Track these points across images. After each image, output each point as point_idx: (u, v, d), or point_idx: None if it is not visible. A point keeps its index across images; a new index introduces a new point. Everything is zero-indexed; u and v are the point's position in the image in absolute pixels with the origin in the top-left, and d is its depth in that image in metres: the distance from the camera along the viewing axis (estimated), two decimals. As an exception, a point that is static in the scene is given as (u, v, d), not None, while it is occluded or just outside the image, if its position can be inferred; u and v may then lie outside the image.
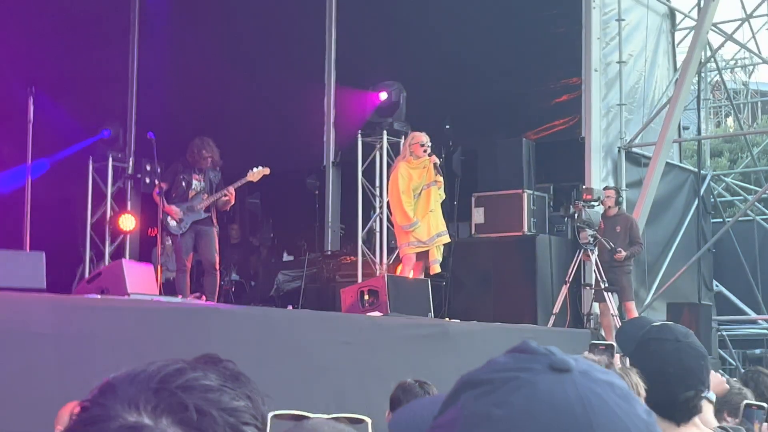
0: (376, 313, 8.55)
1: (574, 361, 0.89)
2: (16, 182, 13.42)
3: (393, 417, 1.32)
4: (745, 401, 3.79)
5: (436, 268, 10.29)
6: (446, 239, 10.42)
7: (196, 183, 10.41)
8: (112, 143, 13.61)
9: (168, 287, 10.89)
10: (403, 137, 12.67)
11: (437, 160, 10.26)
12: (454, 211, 12.64)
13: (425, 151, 10.15)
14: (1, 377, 4.89)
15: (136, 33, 15.68)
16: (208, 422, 0.99)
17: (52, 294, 6.50)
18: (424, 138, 10.29)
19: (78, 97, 14.41)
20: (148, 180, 12.62)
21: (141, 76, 15.57)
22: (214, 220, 10.49)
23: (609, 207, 11.55)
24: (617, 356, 3.55)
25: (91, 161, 13.59)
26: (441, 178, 10.26)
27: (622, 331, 3.60)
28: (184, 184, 10.39)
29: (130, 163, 14.10)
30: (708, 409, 2.86)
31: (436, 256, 10.27)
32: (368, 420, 1.74)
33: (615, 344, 3.59)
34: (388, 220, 12.58)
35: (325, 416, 1.67)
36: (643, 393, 2.45)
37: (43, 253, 7.26)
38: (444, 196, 10.52)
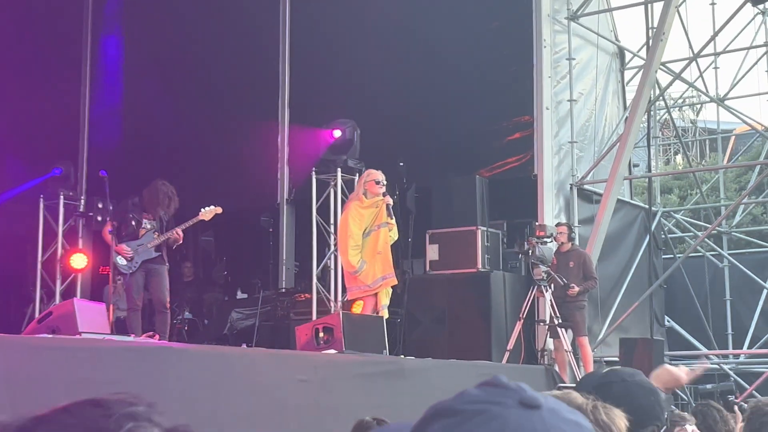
0: (332, 351, 8.51)
1: (543, 398, 0.91)
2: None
3: None
4: None
5: (384, 313, 9.92)
6: (392, 282, 10.11)
7: (146, 221, 10.35)
8: (64, 181, 13.49)
9: (119, 326, 10.78)
10: (357, 174, 12.71)
11: (390, 201, 10.04)
12: (409, 248, 12.67)
13: (381, 189, 9.97)
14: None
15: (88, 70, 15.61)
16: None
17: (1, 334, 6.40)
18: (379, 176, 10.09)
19: (29, 135, 14.29)
20: (99, 218, 12.50)
21: (93, 114, 15.48)
22: (165, 259, 10.42)
23: (562, 243, 11.65)
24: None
25: (42, 199, 13.46)
26: (393, 221, 10.03)
27: (579, 385, 3.61)
28: (134, 222, 10.32)
29: (82, 201, 13.99)
30: None
31: (384, 301, 9.97)
32: None
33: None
34: (343, 258, 12.58)
35: None
36: (621, 425, 2.44)
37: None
38: (396, 238, 10.29)
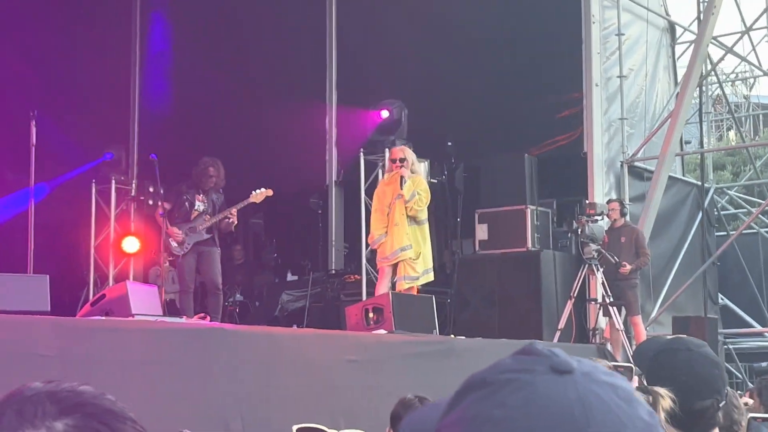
0: (381, 331, 8.54)
1: (577, 362, 0.90)
2: (19, 206, 13.45)
3: (405, 420, 1.33)
4: (750, 414, 3.76)
5: (402, 285, 9.82)
6: (406, 255, 9.84)
7: (199, 204, 10.43)
8: (115, 166, 13.63)
9: (171, 308, 10.89)
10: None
11: (404, 173, 9.91)
12: (458, 228, 12.65)
13: (396, 166, 10.00)
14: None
15: (137, 56, 15.73)
16: (105, 413, 0.99)
17: (57, 316, 6.51)
18: (396, 153, 10.19)
19: (80, 120, 14.44)
20: (151, 201, 12.65)
21: (143, 99, 15.62)
22: (217, 241, 10.50)
23: (615, 219, 11.57)
24: (635, 378, 3.51)
25: (94, 184, 13.61)
26: (405, 191, 9.82)
27: (637, 351, 3.57)
28: (187, 204, 10.42)
29: (133, 185, 14.12)
30: None
31: (403, 273, 9.86)
32: None
33: (633, 365, 3.55)
34: (392, 238, 12.60)
35: None
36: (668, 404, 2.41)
37: (47, 276, 7.28)
38: (417, 208, 9.90)
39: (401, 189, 9.83)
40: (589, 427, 0.84)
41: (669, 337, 3.03)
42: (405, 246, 9.83)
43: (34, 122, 11.94)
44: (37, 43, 15.16)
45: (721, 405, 2.68)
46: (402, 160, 9.98)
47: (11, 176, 13.89)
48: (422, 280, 9.96)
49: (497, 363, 0.93)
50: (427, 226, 10.13)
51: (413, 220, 9.95)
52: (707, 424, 2.66)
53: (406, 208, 9.84)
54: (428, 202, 10.08)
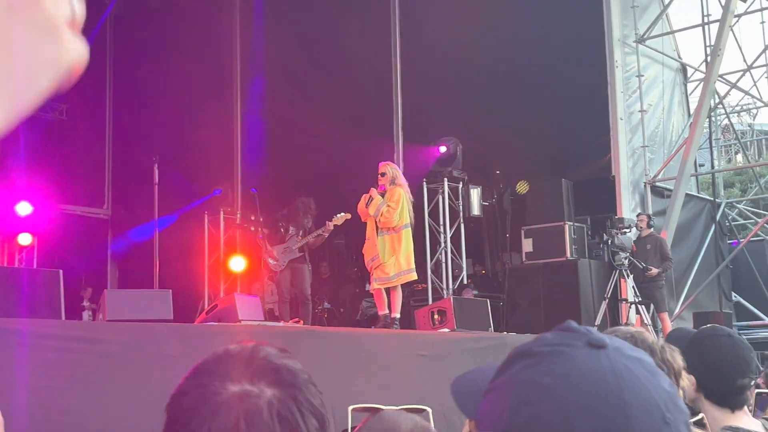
0: (445, 330, 8.51)
1: (609, 339, 0.90)
2: (146, 235, 13.72)
3: (454, 381, 1.32)
4: (757, 390, 3.66)
5: (373, 285, 9.25)
6: (376, 263, 9.11)
7: (292, 229, 10.52)
8: (223, 199, 13.86)
9: (271, 315, 10.98)
10: (461, 183, 12.68)
11: (372, 193, 9.25)
12: (507, 242, 12.57)
13: (379, 179, 9.33)
14: (146, 390, 4.97)
15: (239, 111, 15.96)
16: (297, 379, 1.01)
17: (179, 323, 6.60)
18: (379, 168, 9.40)
19: (193, 162, 14.70)
20: (252, 228, 12.80)
21: (244, 143, 15.83)
22: (307, 258, 10.56)
23: (642, 228, 11.44)
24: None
25: (206, 215, 13.83)
26: (370, 209, 9.16)
27: (670, 336, 3.52)
28: (282, 230, 10.51)
29: (238, 215, 14.31)
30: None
31: (375, 276, 9.18)
32: (429, 409, 1.75)
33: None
34: (453, 253, 12.56)
35: (394, 408, 1.67)
36: (681, 363, 2.37)
37: (169, 290, 7.40)
38: (381, 222, 9.10)
39: (366, 207, 9.19)
40: (621, 393, 0.84)
41: (705, 326, 2.98)
42: (374, 256, 9.15)
43: (156, 166, 12.20)
44: (154, 101, 15.48)
45: (752, 383, 2.64)
46: (383, 175, 9.31)
47: (140, 210, 14.18)
48: (401, 280, 9.13)
49: (540, 336, 0.93)
50: (405, 231, 9.14)
51: (388, 230, 9.12)
52: (743, 400, 2.62)
53: (376, 222, 9.18)
54: (400, 209, 9.09)
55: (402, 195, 9.18)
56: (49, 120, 16.37)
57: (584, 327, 0.91)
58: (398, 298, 9.25)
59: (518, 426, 0.84)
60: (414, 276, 9.30)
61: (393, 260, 9.04)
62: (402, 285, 9.26)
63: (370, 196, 9.21)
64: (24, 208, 14.18)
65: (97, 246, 16.75)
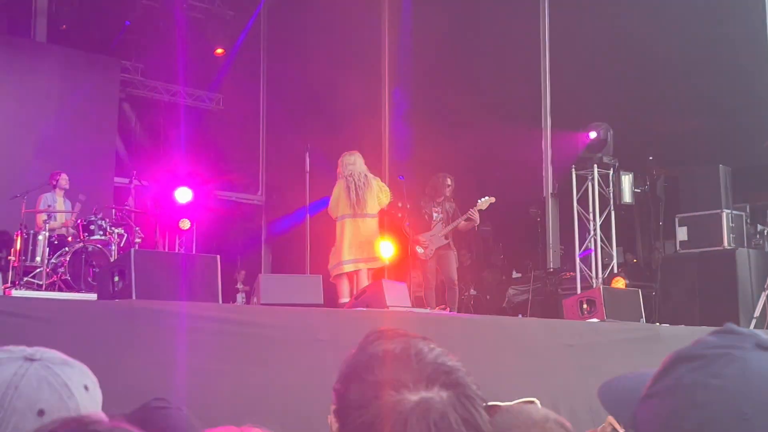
0: (594, 320, 8.32)
1: None
2: (298, 221, 14.09)
3: (602, 386, 1.27)
4: None
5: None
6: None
7: (436, 215, 10.54)
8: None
9: (418, 301, 11.05)
10: (611, 170, 12.34)
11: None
12: (660, 231, 12.15)
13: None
14: (300, 373, 5.10)
15: (386, 96, 16.11)
16: (461, 376, 1.00)
17: (329, 308, 6.75)
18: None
19: (341, 150, 14.94)
20: (400, 215, 12.89)
21: (392, 132, 15.99)
22: (452, 245, 10.56)
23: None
24: None
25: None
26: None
27: None
28: (426, 217, 10.55)
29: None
30: None
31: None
32: (536, 400, 1.69)
33: None
34: (602, 241, 12.26)
35: (503, 404, 1.60)
36: None
37: (320, 276, 7.57)
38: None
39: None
40: None
41: None
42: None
43: (308, 154, 12.47)
44: (309, 92, 15.83)
45: None
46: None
47: (292, 197, 14.57)
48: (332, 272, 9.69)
49: (701, 340, 0.88)
50: (339, 224, 10.10)
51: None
52: None
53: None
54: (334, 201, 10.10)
55: (337, 186, 9.93)
56: (206, 110, 17.07)
57: (748, 329, 0.86)
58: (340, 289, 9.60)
59: (689, 430, 0.80)
60: (338, 271, 9.66)
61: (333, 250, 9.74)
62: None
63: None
64: (184, 195, 14.83)
65: (251, 231, 17.35)
